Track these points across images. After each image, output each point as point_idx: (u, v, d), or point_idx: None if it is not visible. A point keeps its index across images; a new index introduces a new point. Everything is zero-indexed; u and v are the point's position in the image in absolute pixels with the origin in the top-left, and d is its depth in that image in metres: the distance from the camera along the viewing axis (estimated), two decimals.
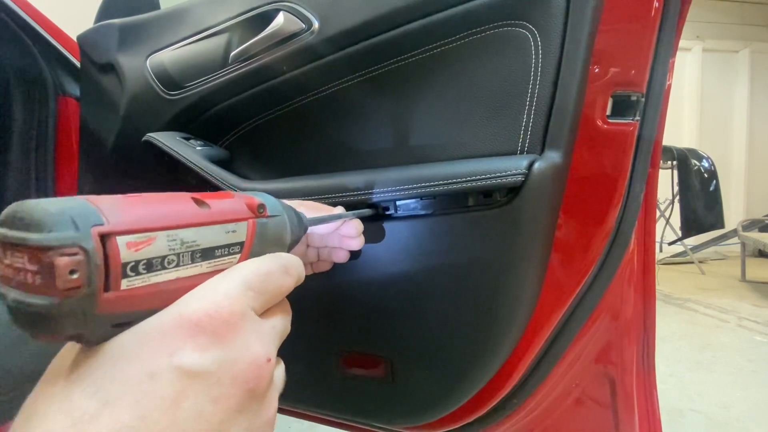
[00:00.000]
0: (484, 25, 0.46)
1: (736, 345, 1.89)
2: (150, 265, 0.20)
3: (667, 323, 2.18)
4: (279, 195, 0.53)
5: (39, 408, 0.18)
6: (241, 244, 0.26)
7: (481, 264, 0.45)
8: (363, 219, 0.46)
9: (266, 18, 0.55)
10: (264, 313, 0.25)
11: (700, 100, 4.22)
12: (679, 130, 4.25)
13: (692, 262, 3.53)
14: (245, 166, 0.64)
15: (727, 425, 1.27)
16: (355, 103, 0.54)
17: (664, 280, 3.13)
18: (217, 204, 0.24)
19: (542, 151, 0.44)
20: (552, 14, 0.43)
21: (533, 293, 0.47)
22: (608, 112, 0.45)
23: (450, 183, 0.44)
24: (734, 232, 3.28)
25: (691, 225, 2.55)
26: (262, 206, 0.28)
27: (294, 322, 0.59)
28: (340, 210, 0.44)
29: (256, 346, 0.22)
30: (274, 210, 0.30)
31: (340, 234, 0.43)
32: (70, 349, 0.20)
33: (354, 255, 0.50)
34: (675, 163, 2.66)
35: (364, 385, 0.55)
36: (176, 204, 0.22)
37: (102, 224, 0.19)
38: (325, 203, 0.49)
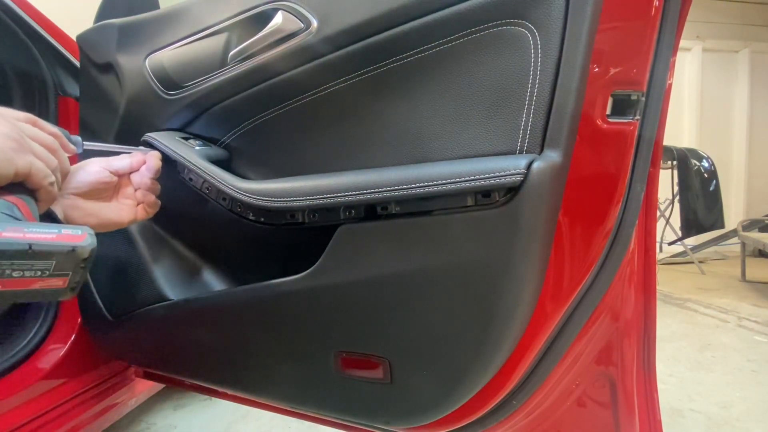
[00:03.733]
0: (483, 24, 0.46)
1: (736, 345, 1.88)
2: None
3: (667, 323, 2.18)
4: (276, 195, 0.53)
5: None
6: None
7: (479, 264, 0.45)
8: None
9: (265, 17, 0.55)
10: None
11: (700, 100, 4.22)
12: (679, 130, 4.24)
13: (692, 262, 3.52)
14: (244, 166, 0.64)
15: (727, 425, 1.27)
16: (354, 103, 0.54)
17: (664, 280, 3.13)
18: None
19: (541, 150, 0.44)
20: (551, 13, 0.43)
21: (533, 293, 0.47)
22: (608, 112, 0.45)
23: (449, 183, 0.44)
24: (734, 232, 3.28)
25: (691, 225, 2.55)
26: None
27: (293, 323, 0.59)
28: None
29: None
30: None
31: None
32: None
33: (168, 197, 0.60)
34: (675, 163, 2.66)
35: (362, 386, 0.55)
36: None
37: None
38: (322, 204, 0.50)
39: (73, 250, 0.35)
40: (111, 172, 0.54)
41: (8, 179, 0.36)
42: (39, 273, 0.34)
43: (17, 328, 0.80)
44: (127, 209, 0.56)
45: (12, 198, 0.36)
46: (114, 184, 0.55)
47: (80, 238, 0.35)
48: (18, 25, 0.81)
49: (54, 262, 0.34)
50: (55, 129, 0.44)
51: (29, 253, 0.32)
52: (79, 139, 0.49)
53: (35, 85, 0.86)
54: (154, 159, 0.58)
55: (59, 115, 0.87)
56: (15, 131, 0.37)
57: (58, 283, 0.35)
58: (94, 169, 0.53)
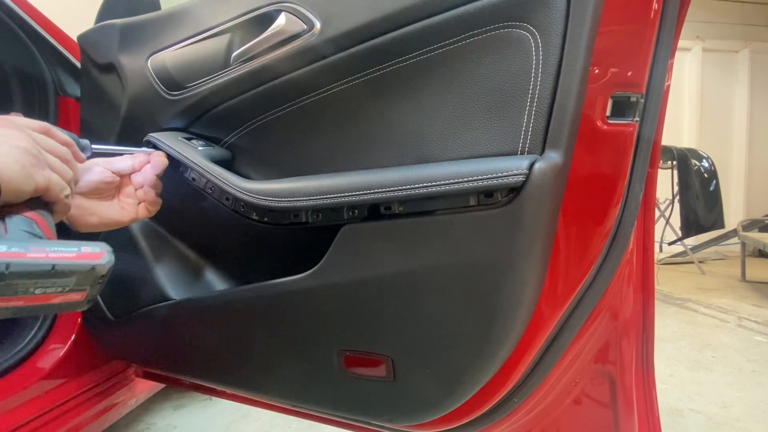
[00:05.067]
0: (486, 26, 0.46)
1: (736, 345, 1.88)
2: None
3: (667, 323, 2.18)
4: (280, 195, 0.54)
5: None
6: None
7: (482, 263, 0.46)
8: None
9: (268, 19, 0.55)
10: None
11: (700, 100, 4.22)
12: (679, 130, 4.25)
13: (692, 262, 3.52)
14: (247, 166, 0.64)
15: (727, 425, 1.27)
16: (357, 104, 0.54)
17: (664, 280, 3.13)
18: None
19: (543, 151, 0.44)
20: (552, 16, 0.43)
21: (533, 292, 0.47)
22: (608, 113, 0.45)
23: (451, 183, 0.44)
24: (734, 232, 3.28)
25: (691, 225, 2.55)
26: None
27: (296, 322, 0.59)
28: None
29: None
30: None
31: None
32: None
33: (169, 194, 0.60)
34: (675, 163, 2.66)
35: (365, 383, 0.55)
36: None
37: None
38: (326, 203, 0.50)
39: (93, 268, 0.36)
40: (113, 172, 0.55)
41: (28, 195, 0.37)
42: (59, 289, 0.35)
43: (17, 328, 0.81)
44: (128, 208, 0.57)
45: (31, 214, 0.37)
46: (116, 184, 0.56)
47: (99, 255, 0.37)
48: (18, 25, 0.81)
49: (74, 280, 0.36)
50: (66, 137, 0.44)
51: (52, 273, 0.34)
52: (87, 143, 0.49)
53: (35, 85, 0.86)
54: (159, 157, 0.59)
55: (59, 116, 0.87)
56: (33, 145, 0.37)
57: (76, 297, 0.37)
58: (96, 170, 0.54)
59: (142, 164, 0.58)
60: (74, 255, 0.35)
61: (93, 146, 0.50)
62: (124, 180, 0.57)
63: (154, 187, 0.58)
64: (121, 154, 0.58)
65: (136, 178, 0.57)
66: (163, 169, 0.58)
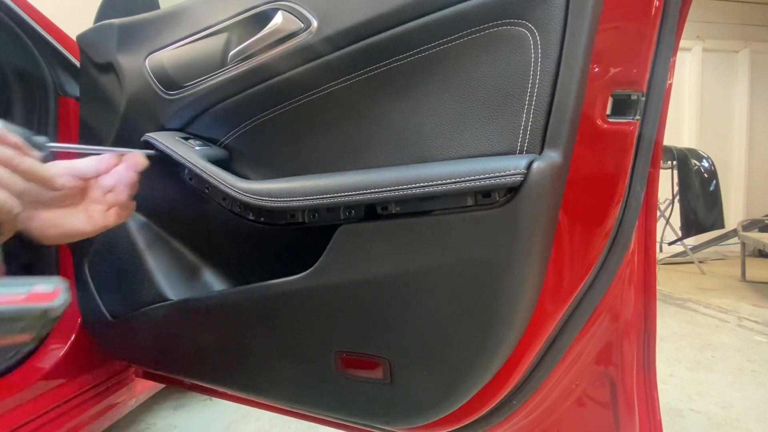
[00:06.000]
0: (484, 24, 0.46)
1: (736, 345, 1.88)
2: None
3: (667, 323, 2.18)
4: (276, 195, 0.54)
5: None
6: None
7: (480, 264, 0.45)
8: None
9: (265, 17, 0.55)
10: None
11: (700, 100, 4.22)
12: (679, 130, 4.25)
13: (692, 262, 3.52)
14: (244, 166, 0.64)
15: (727, 425, 1.27)
16: (354, 103, 0.54)
17: (664, 280, 3.13)
18: None
19: (542, 150, 0.44)
20: (551, 13, 0.43)
21: (533, 293, 0.46)
22: (608, 112, 0.45)
23: (448, 183, 0.44)
24: (734, 232, 3.28)
25: (691, 225, 2.55)
26: None
27: (293, 323, 0.59)
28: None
29: None
30: None
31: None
32: None
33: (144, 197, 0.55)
34: (675, 163, 2.66)
35: (362, 385, 0.55)
36: None
37: None
38: (323, 203, 0.50)
39: (44, 313, 0.32)
40: (75, 176, 0.48)
41: None
42: (3, 334, 0.31)
43: None
44: (96, 215, 0.50)
45: None
46: (79, 189, 0.49)
47: (52, 296, 0.32)
48: (18, 25, 0.81)
49: (22, 324, 0.32)
50: (13, 138, 0.39)
51: None
52: (43, 139, 0.43)
53: (35, 85, 0.86)
54: (137, 156, 0.53)
55: (59, 116, 0.87)
56: None
57: (22, 338, 0.33)
58: (56, 174, 0.45)
59: (109, 167, 0.51)
60: (23, 297, 0.31)
61: (52, 145, 0.44)
62: (90, 184, 0.50)
63: (130, 188, 0.52)
64: (89, 154, 0.51)
65: (105, 181, 0.51)
66: (141, 168, 0.52)
